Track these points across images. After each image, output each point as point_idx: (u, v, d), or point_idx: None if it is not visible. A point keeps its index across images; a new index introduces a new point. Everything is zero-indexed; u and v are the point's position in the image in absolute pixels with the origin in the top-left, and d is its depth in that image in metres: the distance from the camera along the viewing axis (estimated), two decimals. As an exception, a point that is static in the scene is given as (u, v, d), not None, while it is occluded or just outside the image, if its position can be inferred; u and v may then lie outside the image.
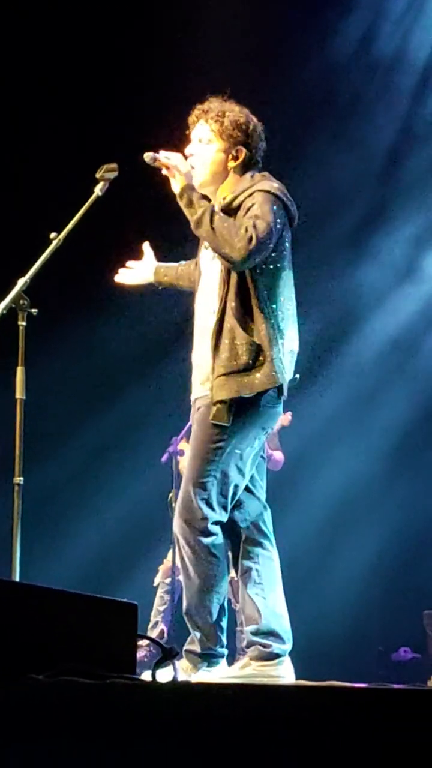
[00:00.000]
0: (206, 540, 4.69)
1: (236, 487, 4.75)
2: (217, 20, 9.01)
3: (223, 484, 4.72)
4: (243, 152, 4.92)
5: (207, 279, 4.93)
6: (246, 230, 4.65)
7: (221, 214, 4.79)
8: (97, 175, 5.01)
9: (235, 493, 4.76)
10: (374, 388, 9.98)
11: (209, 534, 4.69)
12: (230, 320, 4.70)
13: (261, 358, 4.66)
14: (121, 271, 5.35)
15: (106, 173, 4.99)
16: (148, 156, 4.86)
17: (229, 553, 4.85)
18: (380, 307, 9.94)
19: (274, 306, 4.75)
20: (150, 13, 9.15)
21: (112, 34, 9.13)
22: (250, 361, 4.66)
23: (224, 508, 4.73)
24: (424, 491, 9.53)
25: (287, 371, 4.79)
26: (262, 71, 9.09)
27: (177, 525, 4.78)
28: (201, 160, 4.95)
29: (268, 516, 4.92)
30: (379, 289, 9.90)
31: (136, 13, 9.14)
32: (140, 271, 5.33)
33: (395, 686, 3.92)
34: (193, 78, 8.05)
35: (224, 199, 4.88)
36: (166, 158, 4.85)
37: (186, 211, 4.84)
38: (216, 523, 4.71)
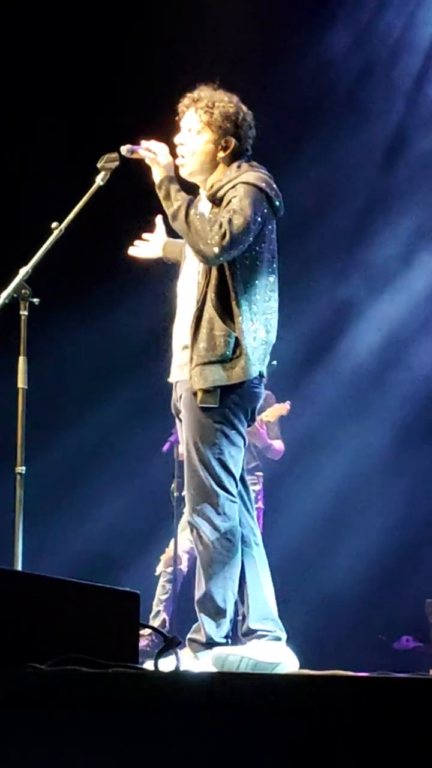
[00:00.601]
0: (225, 524, 4.71)
1: (237, 463, 4.79)
2: (219, 7, 8.99)
3: (229, 463, 4.75)
4: (232, 142, 4.94)
5: (189, 266, 4.96)
6: (220, 226, 4.68)
7: (197, 208, 4.81)
8: (99, 165, 5.01)
9: (237, 469, 4.80)
10: (376, 376, 9.97)
11: (227, 516, 4.71)
12: (209, 311, 4.75)
13: (238, 351, 4.72)
14: (135, 243, 5.39)
15: (107, 163, 4.99)
16: (125, 148, 4.91)
17: None
18: (380, 296, 9.93)
19: (252, 298, 4.78)
20: (155, 2, 9.15)
21: (115, 25, 9.11)
22: (228, 352, 4.71)
23: (235, 485, 4.77)
24: (429, 479, 9.54)
25: (263, 362, 4.84)
26: (261, 61, 9.07)
27: (193, 512, 4.78)
28: (190, 150, 4.97)
29: (250, 507, 4.95)
30: (384, 277, 9.87)
31: (139, 2, 9.14)
32: (152, 245, 5.37)
33: (398, 675, 3.92)
34: (194, 66, 8.04)
35: (212, 187, 4.90)
36: (146, 150, 4.88)
37: (163, 204, 4.88)
38: (232, 502, 4.73)
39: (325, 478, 9.62)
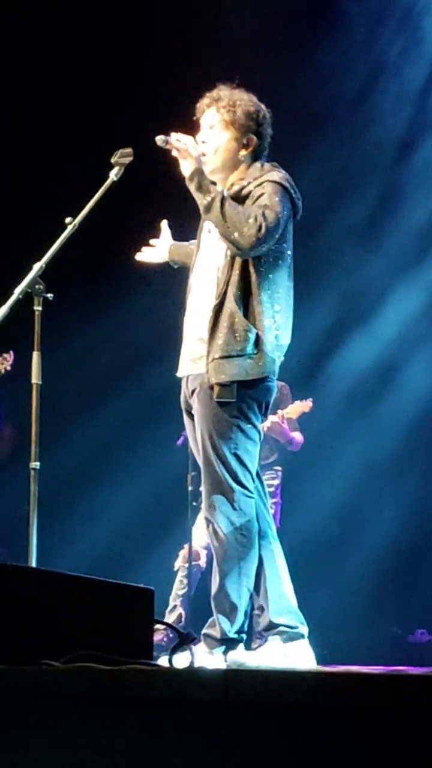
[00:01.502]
0: (241, 520, 4.72)
1: (253, 457, 4.80)
2: (230, 12, 9.00)
3: (245, 458, 4.75)
4: (254, 141, 4.98)
5: (207, 258, 4.97)
6: (255, 219, 4.70)
7: (231, 200, 4.81)
8: (112, 160, 5.02)
9: (253, 464, 4.80)
10: (392, 368, 9.95)
11: (243, 512, 4.71)
12: (231, 305, 4.76)
13: (257, 347, 4.73)
14: (142, 249, 5.40)
15: (121, 158, 5.00)
16: (159, 139, 4.89)
17: None
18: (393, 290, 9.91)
19: (274, 296, 4.82)
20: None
21: (127, 20, 9.12)
22: (247, 348, 4.73)
23: (252, 480, 4.77)
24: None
25: (278, 360, 4.89)
26: (272, 60, 9.06)
27: (209, 508, 4.78)
28: (213, 148, 4.99)
29: (266, 501, 4.95)
30: (401, 265, 9.83)
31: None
32: (158, 249, 5.38)
33: (412, 671, 3.92)
34: (207, 63, 8.05)
35: (232, 186, 4.91)
36: (177, 141, 4.88)
37: (195, 195, 4.87)
38: (248, 497, 4.73)
39: (338, 471, 9.61)
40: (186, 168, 4.88)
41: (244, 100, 4.99)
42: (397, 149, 9.70)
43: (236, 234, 4.73)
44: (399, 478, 9.73)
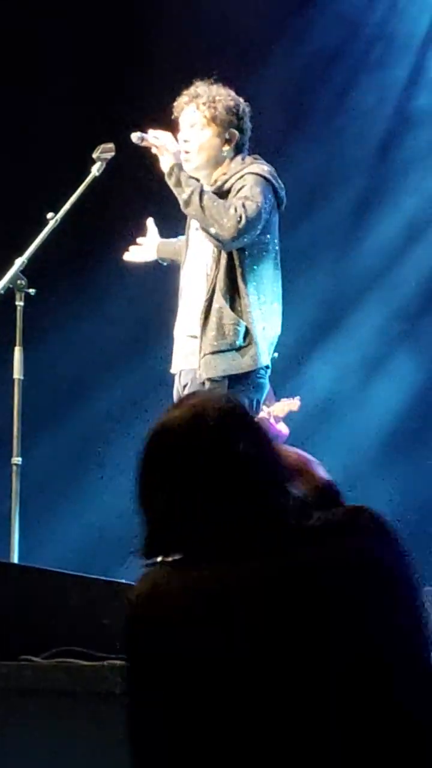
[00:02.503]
0: None
1: None
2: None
3: None
4: (236, 135, 4.96)
5: (196, 255, 4.97)
6: (235, 210, 4.70)
7: (210, 193, 4.81)
8: (94, 156, 5.00)
9: None
10: (377, 359, 9.95)
11: None
12: (219, 300, 4.76)
13: (247, 340, 4.74)
14: (129, 248, 5.38)
15: (103, 153, 4.98)
16: (135, 135, 4.89)
17: None
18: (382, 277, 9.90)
19: (260, 287, 4.81)
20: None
21: (111, 15, 9.08)
22: (237, 341, 4.73)
23: None
24: (424, 469, 9.52)
25: (269, 352, 4.87)
26: (253, 53, 9.04)
27: None
28: (196, 146, 4.97)
29: None
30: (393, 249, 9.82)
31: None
32: (145, 248, 5.36)
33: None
34: (190, 57, 8.02)
35: (216, 182, 4.91)
36: (154, 137, 4.87)
37: (175, 191, 4.86)
38: None
39: (326, 460, 9.58)
40: (164, 164, 4.88)
41: (223, 95, 4.97)
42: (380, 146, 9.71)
43: (216, 226, 4.73)
44: (384, 471, 9.73)
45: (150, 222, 5.34)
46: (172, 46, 8.74)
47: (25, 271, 4.89)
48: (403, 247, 9.59)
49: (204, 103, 4.95)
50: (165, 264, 5.36)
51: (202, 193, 4.79)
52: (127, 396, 9.28)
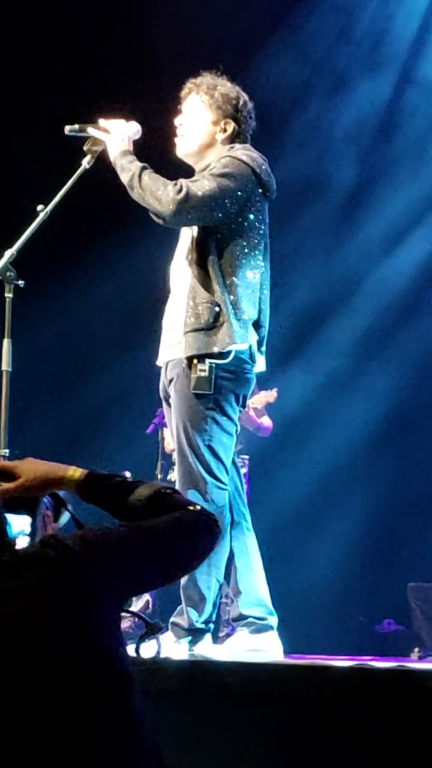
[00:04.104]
0: (212, 511, 4.69)
1: (228, 449, 4.78)
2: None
3: (219, 450, 4.74)
4: (231, 125, 4.95)
5: (182, 246, 4.96)
6: (175, 183, 4.68)
7: (151, 171, 4.79)
8: (85, 148, 5.00)
9: (227, 456, 4.78)
10: (364, 357, 9.98)
11: (215, 503, 4.68)
12: (192, 280, 4.75)
13: (221, 319, 4.70)
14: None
15: (94, 146, 4.98)
16: (68, 128, 4.94)
17: None
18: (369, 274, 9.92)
19: (231, 269, 4.76)
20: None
21: (107, 7, 9.10)
22: (211, 320, 4.70)
23: (225, 472, 4.76)
24: (411, 463, 9.55)
25: (249, 337, 4.80)
26: (247, 43, 9.06)
27: None
28: (190, 130, 4.98)
29: (242, 492, 4.94)
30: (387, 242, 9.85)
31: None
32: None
33: (373, 665, 3.94)
34: (186, 48, 8.05)
35: (205, 168, 4.90)
36: (95, 127, 4.90)
37: (120, 177, 4.86)
38: (220, 489, 4.72)
39: (307, 462, 9.63)
40: (110, 152, 4.88)
41: (225, 85, 4.99)
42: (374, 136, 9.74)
43: (153, 201, 4.70)
44: (370, 467, 9.76)
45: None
46: (169, 42, 8.77)
47: (14, 263, 4.88)
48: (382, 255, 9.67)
49: (203, 91, 4.97)
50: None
51: (142, 172, 4.77)
52: (115, 387, 9.31)
